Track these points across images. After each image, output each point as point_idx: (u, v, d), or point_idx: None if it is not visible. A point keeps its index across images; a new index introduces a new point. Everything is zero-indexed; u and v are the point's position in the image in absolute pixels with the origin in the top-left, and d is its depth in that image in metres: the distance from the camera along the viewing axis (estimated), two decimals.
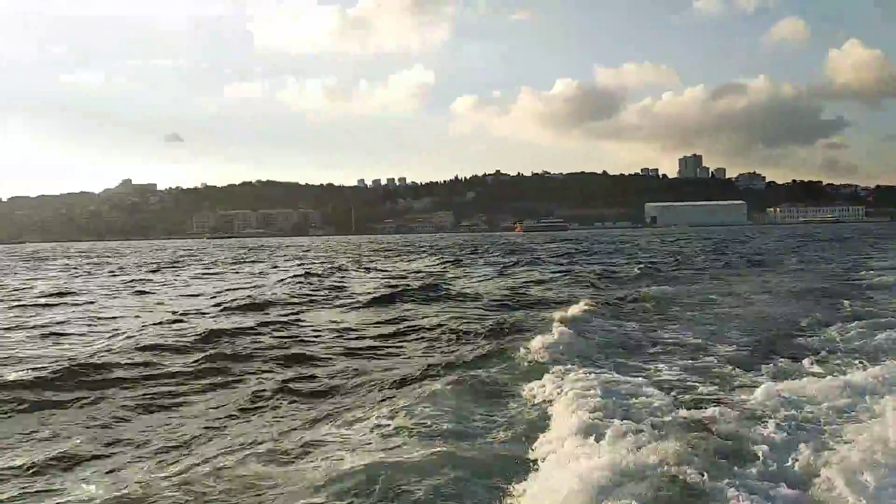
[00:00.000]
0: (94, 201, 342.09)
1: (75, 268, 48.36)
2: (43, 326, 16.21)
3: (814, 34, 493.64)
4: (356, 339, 14.03)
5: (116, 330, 15.45)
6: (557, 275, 29.26)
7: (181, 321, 16.44)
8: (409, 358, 11.90)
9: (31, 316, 18.64)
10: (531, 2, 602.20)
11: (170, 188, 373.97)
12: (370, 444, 6.69)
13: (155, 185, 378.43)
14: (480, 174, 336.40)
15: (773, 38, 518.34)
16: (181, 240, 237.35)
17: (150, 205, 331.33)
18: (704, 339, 12.14)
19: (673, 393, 8.21)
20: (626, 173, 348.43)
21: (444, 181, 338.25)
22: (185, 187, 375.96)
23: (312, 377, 10.46)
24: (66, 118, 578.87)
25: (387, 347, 13.01)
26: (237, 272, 39.13)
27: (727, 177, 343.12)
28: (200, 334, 13.76)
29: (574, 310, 15.33)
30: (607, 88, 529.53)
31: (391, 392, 9.15)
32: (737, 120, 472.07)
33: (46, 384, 9.82)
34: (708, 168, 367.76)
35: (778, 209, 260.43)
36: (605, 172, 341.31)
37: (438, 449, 6.32)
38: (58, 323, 16.89)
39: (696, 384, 8.79)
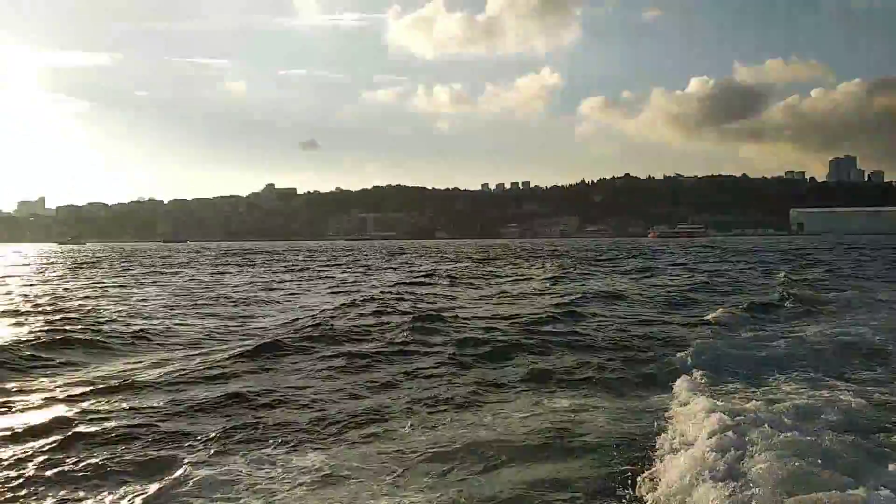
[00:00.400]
0: (242, 204, 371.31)
1: (253, 265, 53.69)
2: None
3: None
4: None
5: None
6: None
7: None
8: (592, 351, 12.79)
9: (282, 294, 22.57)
10: (663, 0, 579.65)
11: (308, 192, 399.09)
12: None
13: (295, 189, 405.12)
14: (608, 177, 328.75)
15: None
16: (321, 241, 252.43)
17: (292, 208, 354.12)
18: None
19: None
20: (768, 177, 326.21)
21: (570, 185, 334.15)
22: (322, 191, 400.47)
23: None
24: (216, 125, 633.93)
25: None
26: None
27: (886, 180, 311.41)
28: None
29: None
30: (747, 86, 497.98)
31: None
32: None
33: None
34: (863, 171, 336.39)
35: None
36: (744, 175, 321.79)
37: None
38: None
39: None
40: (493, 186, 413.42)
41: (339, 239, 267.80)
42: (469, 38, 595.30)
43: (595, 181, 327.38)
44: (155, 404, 9.11)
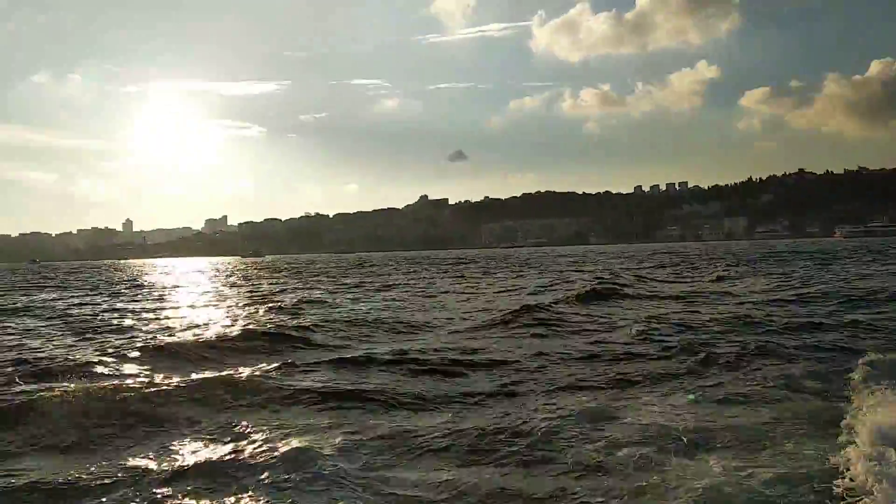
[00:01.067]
0: (398, 216, 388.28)
1: (433, 271, 56.06)
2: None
3: None
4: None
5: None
6: None
7: None
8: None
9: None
10: None
11: (459, 202, 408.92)
12: None
13: (447, 199, 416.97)
14: (779, 174, 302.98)
15: None
16: (472, 249, 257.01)
17: (444, 218, 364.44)
18: None
19: None
20: None
21: (735, 184, 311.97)
22: (472, 200, 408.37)
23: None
24: (372, 142, 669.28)
25: None
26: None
27: None
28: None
29: None
30: None
31: None
32: None
33: None
34: None
35: None
36: None
37: None
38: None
39: None
40: (646, 188, 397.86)
41: (492, 247, 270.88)
42: (617, 38, 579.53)
43: (763, 178, 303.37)
44: None
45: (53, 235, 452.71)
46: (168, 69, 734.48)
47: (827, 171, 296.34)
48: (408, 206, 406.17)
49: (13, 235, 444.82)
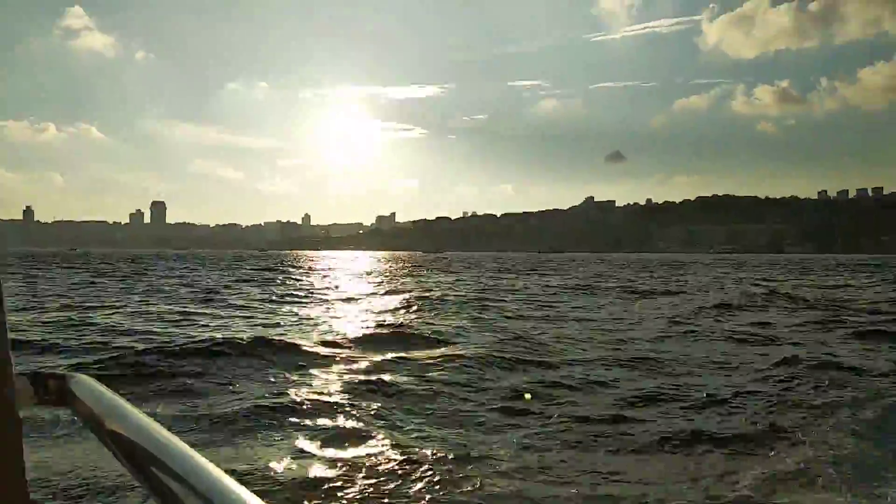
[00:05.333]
0: (565, 217, 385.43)
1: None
2: None
3: None
4: None
5: None
6: None
7: None
8: None
9: None
10: None
11: (627, 204, 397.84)
12: None
13: (614, 201, 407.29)
14: None
15: None
16: (651, 254, 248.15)
17: (614, 220, 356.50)
18: None
19: None
20: None
21: None
22: (637, 203, 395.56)
23: None
24: (530, 143, 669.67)
25: None
26: None
27: None
28: None
29: None
30: None
31: None
32: None
33: None
34: None
35: None
36: None
37: None
38: None
39: None
40: (833, 193, 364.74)
41: (671, 252, 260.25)
42: (798, 31, 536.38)
43: None
44: None
45: (243, 227, 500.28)
46: (340, 76, 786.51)
47: None
48: (573, 207, 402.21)
49: (211, 225, 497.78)
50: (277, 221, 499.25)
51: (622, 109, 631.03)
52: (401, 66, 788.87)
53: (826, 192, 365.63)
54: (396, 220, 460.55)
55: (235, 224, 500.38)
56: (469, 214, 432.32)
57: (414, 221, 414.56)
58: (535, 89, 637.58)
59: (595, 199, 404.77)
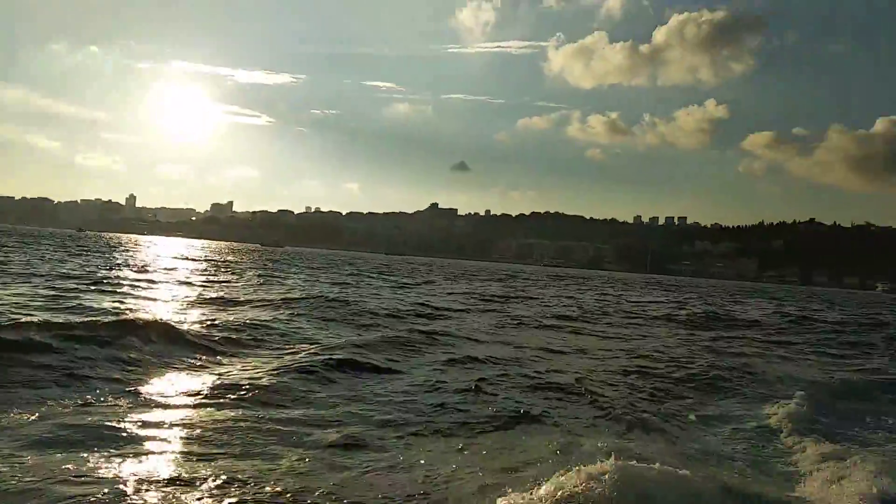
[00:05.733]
0: (409, 220, 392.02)
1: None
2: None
3: None
4: None
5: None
6: None
7: None
8: None
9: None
10: (853, 32, 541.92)
11: (469, 213, 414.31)
12: None
13: (456, 209, 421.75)
14: (790, 221, 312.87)
15: None
16: (490, 262, 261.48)
17: (457, 228, 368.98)
18: None
19: None
20: None
21: (747, 226, 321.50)
22: (478, 213, 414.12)
23: None
24: (380, 144, 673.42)
25: None
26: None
27: None
28: None
29: None
30: None
31: None
32: None
33: None
34: None
35: None
36: None
37: None
38: None
39: None
40: (646, 219, 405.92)
41: (508, 262, 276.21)
42: (630, 69, 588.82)
43: (775, 224, 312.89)
44: None
45: (55, 202, 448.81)
46: (184, 50, 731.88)
47: (835, 222, 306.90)
48: (418, 211, 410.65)
49: (16, 198, 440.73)
50: (97, 200, 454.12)
51: (470, 121, 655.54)
52: (251, 49, 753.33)
53: (640, 216, 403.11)
54: (234, 209, 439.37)
55: (47, 199, 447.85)
56: (313, 210, 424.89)
57: (254, 212, 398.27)
58: (390, 91, 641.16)
59: (440, 206, 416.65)
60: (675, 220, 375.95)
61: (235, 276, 38.83)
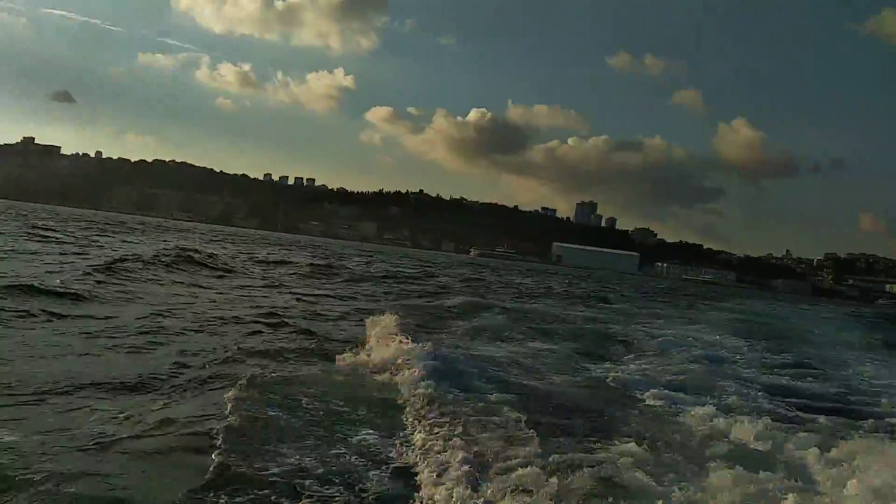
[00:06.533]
0: None
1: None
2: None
3: (708, 106, 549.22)
4: None
5: None
6: None
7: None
8: None
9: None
10: (460, 29, 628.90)
11: (76, 153, 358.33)
12: None
13: (59, 147, 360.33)
14: (403, 190, 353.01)
15: (674, 104, 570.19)
16: (102, 212, 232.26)
17: (61, 169, 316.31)
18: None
19: None
20: (528, 209, 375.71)
21: (369, 192, 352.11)
22: (88, 153, 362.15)
23: None
24: None
25: None
26: None
27: (618, 227, 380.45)
28: None
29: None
30: (517, 124, 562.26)
31: None
32: (632, 174, 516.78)
33: None
34: (601, 216, 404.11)
35: (666, 264, 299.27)
36: (516, 207, 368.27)
37: None
38: None
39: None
40: (276, 177, 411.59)
41: (129, 213, 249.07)
42: (263, 22, 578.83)
43: (392, 192, 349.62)
44: None
45: None
46: None
47: (437, 195, 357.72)
48: (8, 146, 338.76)
49: None
50: None
51: (78, 46, 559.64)
52: None
53: (271, 174, 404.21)
54: None
55: None
56: None
57: None
58: None
59: (36, 142, 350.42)
60: (304, 182, 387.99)
61: None
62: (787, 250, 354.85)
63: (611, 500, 6.29)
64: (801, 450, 8.69)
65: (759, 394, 13.75)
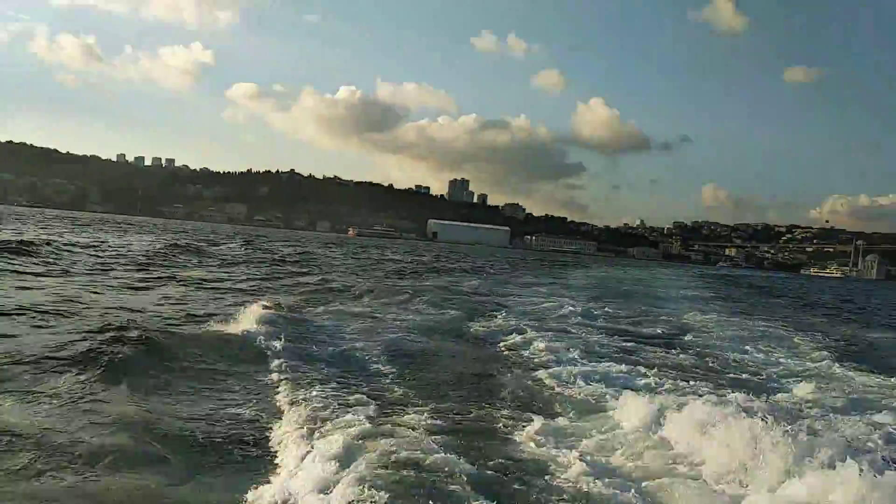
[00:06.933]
0: None
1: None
2: None
3: (567, 87, 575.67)
4: None
5: None
6: None
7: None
8: None
9: None
10: (323, 6, 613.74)
11: None
12: None
13: None
14: (273, 170, 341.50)
15: (536, 84, 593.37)
16: None
17: None
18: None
19: None
20: (403, 187, 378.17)
21: (237, 172, 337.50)
22: None
23: None
24: None
25: None
26: None
27: (489, 203, 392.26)
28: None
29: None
30: (387, 103, 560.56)
31: None
32: (500, 151, 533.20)
33: None
34: (473, 192, 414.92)
35: (534, 237, 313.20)
36: (391, 186, 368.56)
37: None
38: None
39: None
40: (131, 158, 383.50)
41: None
42: None
43: (262, 172, 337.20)
44: None
45: None
46: None
47: (310, 174, 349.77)
48: None
49: None
50: None
51: None
52: None
53: (125, 155, 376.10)
54: None
55: None
56: None
57: None
58: None
59: None
60: (163, 162, 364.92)
61: None
62: (641, 220, 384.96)
63: None
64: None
65: (604, 338, 15.88)
